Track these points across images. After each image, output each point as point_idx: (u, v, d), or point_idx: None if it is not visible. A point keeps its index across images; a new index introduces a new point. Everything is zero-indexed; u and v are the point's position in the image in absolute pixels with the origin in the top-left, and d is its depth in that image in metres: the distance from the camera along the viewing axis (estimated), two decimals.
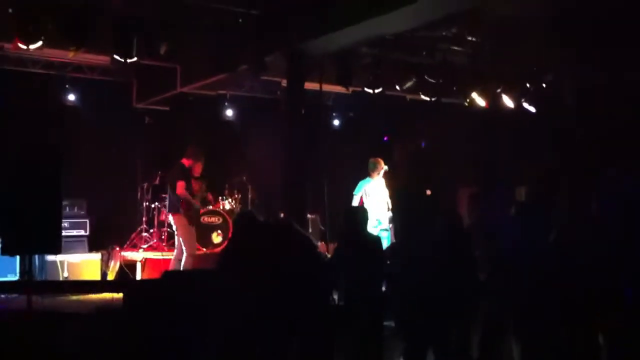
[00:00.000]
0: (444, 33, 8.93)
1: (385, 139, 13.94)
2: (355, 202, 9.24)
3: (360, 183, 9.41)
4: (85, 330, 5.66)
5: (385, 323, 5.88)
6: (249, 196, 11.69)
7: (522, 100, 11.00)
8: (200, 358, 4.85)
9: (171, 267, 8.92)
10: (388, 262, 5.94)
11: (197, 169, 9.25)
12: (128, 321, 5.26)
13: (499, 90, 10.82)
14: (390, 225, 9.22)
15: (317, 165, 9.58)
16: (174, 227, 9.09)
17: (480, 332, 5.77)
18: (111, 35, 7.96)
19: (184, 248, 8.88)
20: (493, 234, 5.91)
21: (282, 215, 8.62)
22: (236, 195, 11.51)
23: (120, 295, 6.11)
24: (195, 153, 9.19)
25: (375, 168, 9.33)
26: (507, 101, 10.97)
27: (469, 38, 9.23)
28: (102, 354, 5.30)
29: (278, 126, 12.03)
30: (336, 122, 13.36)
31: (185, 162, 9.12)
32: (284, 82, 9.66)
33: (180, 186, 8.85)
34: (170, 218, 9.15)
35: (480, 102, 11.00)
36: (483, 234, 5.93)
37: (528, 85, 10.77)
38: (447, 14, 7.55)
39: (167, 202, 9.36)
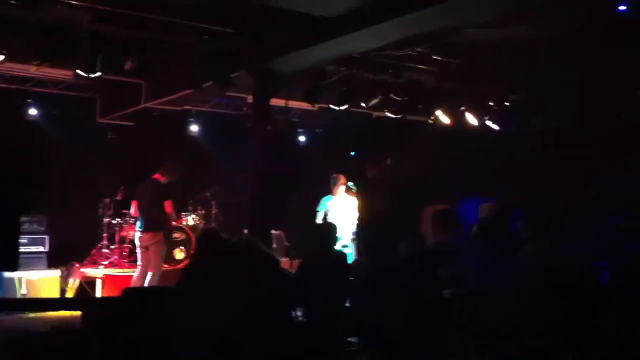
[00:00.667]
0: (409, 52, 9.00)
1: (353, 153, 13.97)
2: (319, 219, 9.22)
3: (323, 200, 9.40)
4: (42, 349, 5.51)
5: (349, 339, 5.86)
6: (213, 212, 11.59)
7: (486, 118, 11.13)
8: None
9: (134, 284, 8.77)
10: (352, 279, 5.95)
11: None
12: (86, 340, 5.13)
13: (462, 108, 10.94)
14: (354, 242, 9.20)
15: (282, 182, 9.55)
16: (147, 244, 8.90)
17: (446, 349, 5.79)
18: (75, 50, 7.85)
19: (153, 266, 8.78)
20: (455, 252, 5.95)
21: (245, 232, 8.57)
22: (200, 211, 11.40)
23: (79, 313, 5.97)
24: (173, 170, 9.10)
25: (336, 184, 9.32)
26: (471, 119, 11.09)
27: (435, 57, 9.32)
28: None
29: (244, 142, 12.06)
30: (302, 138, 13.35)
31: (160, 178, 9.02)
32: (250, 98, 9.65)
33: (169, 204, 8.88)
34: (141, 235, 8.95)
35: (445, 119, 11.12)
36: (446, 253, 5.97)
37: (491, 103, 10.91)
38: (413, 35, 7.62)
39: (139, 219, 9.15)
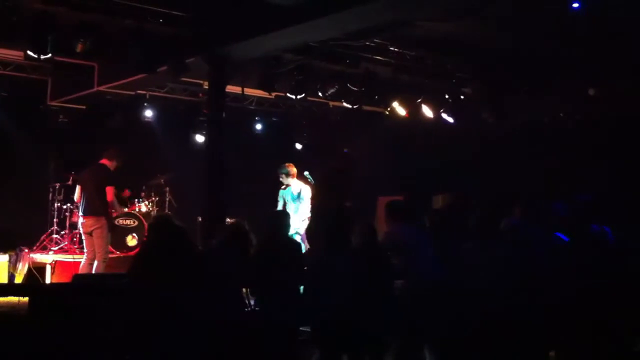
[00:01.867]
0: (367, 43, 9.03)
1: (345, 151, 14.00)
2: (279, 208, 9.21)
3: (280, 191, 9.38)
4: None
5: (302, 328, 5.88)
6: (167, 199, 11.48)
7: (441, 111, 11.25)
8: None
9: (81, 270, 8.64)
10: (305, 268, 5.96)
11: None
12: (34, 326, 5.05)
13: (419, 101, 11.04)
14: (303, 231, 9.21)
15: (237, 170, 9.50)
16: (90, 230, 8.78)
17: (395, 341, 5.86)
18: (25, 31, 7.65)
19: (97, 252, 8.65)
20: (405, 243, 6.01)
21: (199, 219, 8.50)
22: (153, 198, 11.28)
23: (26, 299, 5.86)
24: (118, 154, 9.02)
25: (287, 173, 9.29)
26: (427, 111, 11.20)
27: (392, 48, 9.37)
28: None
29: (199, 128, 11.97)
30: (259, 126, 13.30)
31: (107, 163, 8.94)
32: (206, 84, 9.55)
33: (110, 191, 8.79)
34: (83, 220, 8.83)
35: (401, 111, 11.21)
36: (396, 244, 6.03)
37: (447, 96, 11.02)
38: (369, 26, 7.65)
39: (82, 204, 9.01)
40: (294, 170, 9.28)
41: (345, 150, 14.26)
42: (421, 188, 11.90)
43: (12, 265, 9.63)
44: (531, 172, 11.15)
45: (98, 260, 8.65)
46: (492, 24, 8.06)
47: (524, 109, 11.21)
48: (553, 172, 10.84)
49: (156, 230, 5.14)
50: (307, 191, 9.28)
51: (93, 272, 8.49)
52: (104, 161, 8.94)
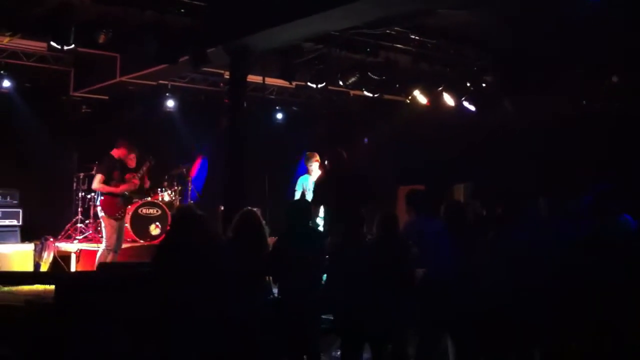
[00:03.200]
0: (387, 31, 9.01)
1: (366, 140, 13.99)
2: (297, 197, 9.24)
3: (300, 179, 9.40)
4: (16, 323, 5.51)
5: (324, 316, 5.92)
6: (189, 188, 11.58)
7: (462, 99, 11.19)
8: (131, 354, 4.77)
9: (98, 260, 8.73)
10: (327, 257, 5.99)
11: (131, 161, 9.05)
12: (60, 314, 5.14)
13: (440, 89, 10.99)
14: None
15: (258, 158, 9.55)
16: (101, 219, 8.91)
17: (417, 331, 5.88)
18: (49, 22, 7.74)
19: (105, 241, 8.73)
20: (425, 232, 6.02)
21: (221, 208, 8.56)
22: (175, 187, 11.38)
23: (53, 287, 5.96)
24: (126, 144, 8.97)
25: (309, 161, 9.32)
26: (448, 99, 11.15)
27: (413, 37, 9.34)
28: (32, 347, 5.16)
29: (220, 118, 12.03)
30: (279, 116, 13.33)
31: (115, 153, 8.92)
32: (227, 74, 9.58)
33: (96, 180, 8.72)
34: (98, 210, 8.96)
35: (422, 99, 11.16)
36: (417, 234, 6.04)
37: (469, 84, 10.96)
38: (390, 15, 7.64)
39: (97, 193, 9.12)
40: (315, 158, 9.31)
41: (365, 139, 14.26)
42: (442, 177, 11.87)
43: (38, 254, 9.76)
44: (554, 161, 11.07)
45: (103, 249, 8.69)
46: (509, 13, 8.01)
47: (545, 98, 11.11)
48: (576, 163, 10.75)
49: (179, 221, 5.19)
50: None
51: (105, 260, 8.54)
52: (113, 151, 8.93)
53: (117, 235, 8.79)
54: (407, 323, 5.81)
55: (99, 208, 8.81)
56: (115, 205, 8.74)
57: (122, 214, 8.92)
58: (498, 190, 9.02)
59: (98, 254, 8.71)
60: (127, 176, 8.92)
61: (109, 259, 8.60)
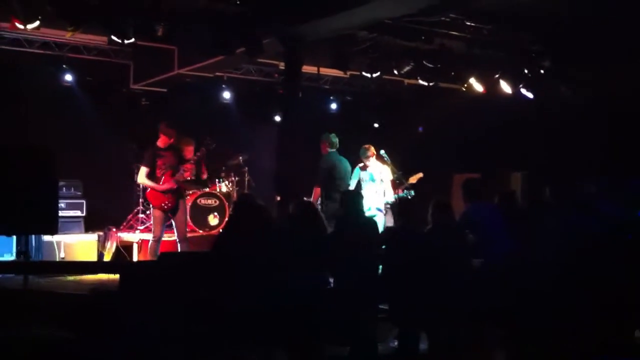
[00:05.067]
0: (442, 18, 8.90)
1: (420, 129, 13.93)
2: (351, 188, 9.26)
3: (355, 170, 9.42)
4: (82, 311, 5.69)
5: (381, 306, 5.94)
6: (246, 179, 11.72)
7: (520, 86, 10.98)
8: (193, 342, 4.88)
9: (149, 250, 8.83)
10: (384, 247, 6.00)
11: (189, 152, 9.16)
12: (124, 302, 5.29)
13: (496, 76, 10.81)
14: (386, 208, 9.25)
15: (314, 148, 9.59)
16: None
17: (469, 319, 5.85)
18: (108, 16, 7.93)
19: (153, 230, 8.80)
20: (481, 221, 5.97)
21: (277, 199, 8.63)
22: (233, 178, 11.53)
23: (116, 276, 6.14)
24: (163, 130, 8.77)
25: (366, 154, 9.31)
26: (505, 87, 10.96)
27: (468, 23, 9.20)
28: (96, 333, 5.33)
29: (275, 109, 12.13)
30: (333, 106, 13.34)
31: (160, 142, 8.77)
32: (282, 65, 9.64)
33: (141, 173, 8.68)
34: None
35: (478, 87, 11.01)
36: (473, 222, 6.00)
37: (526, 71, 10.74)
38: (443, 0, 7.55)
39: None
40: (372, 151, 9.30)
41: (420, 128, 14.15)
42: (499, 165, 11.71)
43: (101, 244, 10.02)
44: (609, 146, 10.78)
45: (151, 239, 8.74)
46: None
47: (601, 80, 10.79)
48: (631, 147, 10.44)
49: (239, 209, 5.28)
50: (386, 172, 9.31)
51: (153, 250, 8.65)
52: (157, 141, 8.81)
53: (175, 223, 8.75)
54: (463, 311, 5.79)
55: (146, 199, 8.86)
56: (160, 196, 8.65)
57: (170, 204, 8.67)
58: (554, 177, 8.87)
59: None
60: (186, 166, 8.98)
61: (151, 248, 8.65)
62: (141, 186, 10.07)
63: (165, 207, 8.64)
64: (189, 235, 9.26)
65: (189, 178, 9.21)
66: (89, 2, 7.66)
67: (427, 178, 9.65)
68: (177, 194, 8.75)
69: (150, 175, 8.65)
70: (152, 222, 8.86)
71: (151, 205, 8.82)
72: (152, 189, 8.66)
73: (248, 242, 4.95)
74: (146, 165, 8.67)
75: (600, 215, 5.63)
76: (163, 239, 8.79)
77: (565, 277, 5.31)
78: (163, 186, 8.63)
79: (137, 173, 9.28)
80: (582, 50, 9.80)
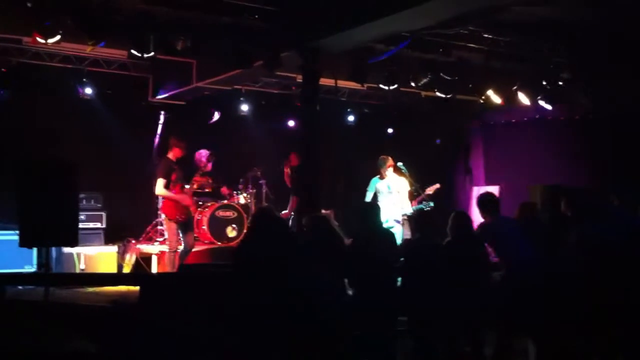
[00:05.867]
0: (460, 30, 8.92)
1: (438, 141, 13.92)
2: (368, 199, 9.28)
3: (372, 181, 9.43)
4: (103, 322, 5.73)
5: (400, 318, 5.92)
6: (264, 191, 11.75)
7: (538, 98, 10.95)
8: (214, 354, 4.90)
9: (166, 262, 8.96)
10: (402, 259, 5.99)
11: (208, 166, 9.23)
12: (145, 314, 5.32)
13: (514, 88, 10.78)
14: (403, 220, 9.25)
15: (331, 160, 9.61)
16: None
17: (494, 332, 5.81)
18: (129, 30, 8.02)
19: (168, 243, 8.91)
20: (501, 234, 5.95)
21: (291, 208, 8.65)
22: (251, 190, 11.57)
23: (136, 288, 6.18)
24: (174, 144, 8.98)
25: (384, 166, 9.32)
26: (523, 98, 10.93)
27: (486, 35, 9.21)
28: (117, 346, 5.36)
29: (293, 121, 12.18)
30: (350, 118, 13.36)
31: (169, 154, 8.97)
32: (299, 78, 9.68)
33: (159, 185, 8.74)
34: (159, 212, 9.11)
35: (496, 99, 10.98)
36: (492, 235, 5.98)
37: (544, 82, 10.71)
38: (464, 13, 7.56)
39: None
40: (389, 162, 9.31)
41: (438, 140, 14.13)
42: (519, 178, 11.66)
43: (121, 256, 10.08)
44: (630, 157, 10.72)
45: (167, 251, 8.88)
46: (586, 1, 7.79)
47: (624, 92, 10.74)
48: None
49: (258, 221, 5.31)
50: (403, 184, 9.31)
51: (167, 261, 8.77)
52: (168, 153, 8.99)
53: (183, 235, 8.88)
54: (483, 324, 5.76)
55: (160, 211, 8.88)
56: (175, 209, 8.80)
57: (183, 217, 8.88)
58: (577, 189, 8.80)
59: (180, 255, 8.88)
60: (195, 179, 9.09)
61: (168, 259, 8.76)
62: (160, 198, 10.15)
63: (180, 219, 8.81)
64: (206, 247, 9.29)
65: (207, 190, 9.31)
66: (110, 17, 7.75)
67: (445, 190, 9.65)
68: (188, 206, 8.97)
69: (166, 187, 8.77)
70: (166, 234, 8.97)
71: (167, 218, 8.89)
72: (172, 200, 8.74)
73: (267, 254, 4.96)
74: (164, 177, 8.76)
75: (621, 227, 5.59)
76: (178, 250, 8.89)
77: (588, 289, 5.27)
78: (184, 199, 8.75)
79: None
80: (603, 61, 9.76)
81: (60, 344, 5.76)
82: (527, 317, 5.52)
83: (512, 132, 12.37)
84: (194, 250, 9.04)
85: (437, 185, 9.47)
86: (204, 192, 10.62)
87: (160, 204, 8.97)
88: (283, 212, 10.69)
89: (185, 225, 8.94)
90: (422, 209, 9.10)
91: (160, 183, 8.75)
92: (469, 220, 6.09)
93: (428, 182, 9.74)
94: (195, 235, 10.72)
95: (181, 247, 8.87)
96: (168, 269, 8.76)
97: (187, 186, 9.19)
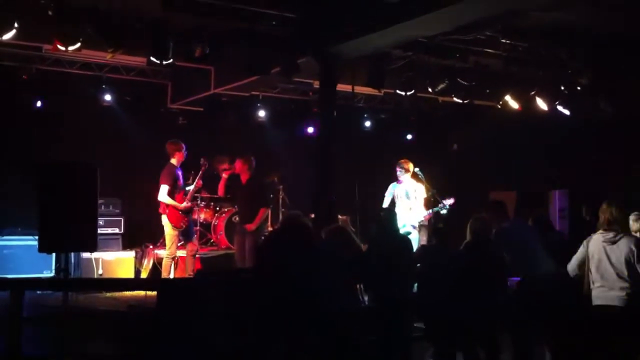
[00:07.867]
0: (477, 36, 8.89)
1: (455, 147, 13.89)
2: (386, 204, 9.25)
3: (391, 186, 9.41)
4: (121, 327, 5.77)
5: (416, 324, 5.91)
6: (280, 197, 11.75)
7: (556, 103, 10.87)
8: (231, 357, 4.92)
9: (164, 268, 9.04)
10: (418, 265, 5.98)
11: (225, 172, 9.26)
12: (162, 319, 5.34)
13: (532, 93, 10.73)
14: (422, 228, 9.22)
15: (348, 166, 9.60)
16: None
17: (510, 337, 5.78)
18: (148, 38, 8.10)
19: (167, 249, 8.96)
20: (516, 239, 5.93)
21: (312, 216, 8.66)
22: None
23: (153, 292, 6.21)
24: (172, 150, 8.98)
25: (402, 169, 9.28)
26: (541, 104, 10.87)
27: (503, 41, 9.17)
28: (135, 351, 5.39)
29: (310, 127, 12.19)
30: (367, 124, 13.36)
31: (172, 160, 8.97)
32: (316, 84, 9.70)
33: (163, 191, 8.74)
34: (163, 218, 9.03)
35: (514, 104, 10.93)
36: (508, 240, 5.95)
37: (562, 88, 10.64)
38: (481, 18, 7.55)
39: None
40: (408, 166, 9.27)
41: (455, 146, 14.09)
42: (535, 183, 11.60)
43: (138, 261, 10.14)
44: None
45: (165, 256, 8.96)
46: (604, 6, 7.74)
47: None
48: None
49: (288, 227, 5.34)
50: (420, 190, 9.27)
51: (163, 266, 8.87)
52: (172, 159, 8.99)
53: (185, 242, 9.01)
54: (501, 330, 5.73)
55: (164, 217, 8.90)
56: (180, 216, 8.84)
57: (186, 224, 8.95)
58: (594, 195, 8.74)
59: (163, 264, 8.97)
60: (198, 184, 9.10)
61: (167, 265, 8.86)
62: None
63: (183, 226, 8.89)
64: (222, 252, 9.31)
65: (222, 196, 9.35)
66: (130, 25, 7.83)
67: (462, 196, 9.60)
68: (190, 213, 9.09)
69: (171, 193, 8.79)
70: (166, 239, 8.98)
71: (170, 225, 8.87)
72: (174, 208, 8.79)
73: (289, 260, 4.99)
74: (168, 184, 8.78)
75: None
76: (199, 254, 8.97)
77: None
78: (187, 206, 8.85)
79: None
80: (622, 65, 9.68)
81: (79, 348, 5.80)
82: (544, 325, 5.48)
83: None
84: (210, 255, 9.07)
85: (452, 200, 9.30)
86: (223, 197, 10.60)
87: (167, 210, 8.87)
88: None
89: (186, 232, 9.03)
90: (438, 212, 9.11)
91: (164, 189, 8.76)
92: (485, 225, 6.05)
93: (445, 188, 9.70)
94: (212, 240, 10.81)
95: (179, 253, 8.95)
96: (165, 275, 8.87)
97: (188, 188, 9.16)
